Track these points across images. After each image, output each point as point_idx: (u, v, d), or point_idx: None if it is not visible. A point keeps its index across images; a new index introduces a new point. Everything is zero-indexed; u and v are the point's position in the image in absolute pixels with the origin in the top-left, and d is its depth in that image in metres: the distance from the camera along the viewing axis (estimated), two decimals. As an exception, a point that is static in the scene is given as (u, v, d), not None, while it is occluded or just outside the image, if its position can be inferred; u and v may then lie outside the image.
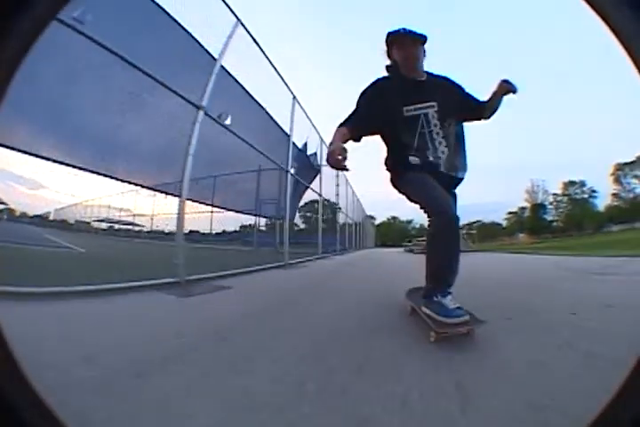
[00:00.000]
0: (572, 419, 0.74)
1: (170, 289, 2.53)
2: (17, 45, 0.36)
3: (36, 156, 2.62)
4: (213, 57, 3.53)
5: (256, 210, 6.29)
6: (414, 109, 1.52)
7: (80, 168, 2.99)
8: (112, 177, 3.23)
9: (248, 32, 4.09)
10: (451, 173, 1.56)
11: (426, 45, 1.57)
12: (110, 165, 3.13)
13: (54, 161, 2.70)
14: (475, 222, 58.09)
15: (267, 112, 5.18)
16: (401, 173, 1.61)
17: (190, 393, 0.89)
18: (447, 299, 1.34)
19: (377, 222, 62.03)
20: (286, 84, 5.51)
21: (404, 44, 1.52)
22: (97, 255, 6.18)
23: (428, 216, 1.45)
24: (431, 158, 1.51)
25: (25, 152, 2.57)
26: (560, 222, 52.16)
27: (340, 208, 11.34)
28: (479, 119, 1.71)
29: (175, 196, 3.20)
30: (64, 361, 1.08)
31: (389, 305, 1.96)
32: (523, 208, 57.00)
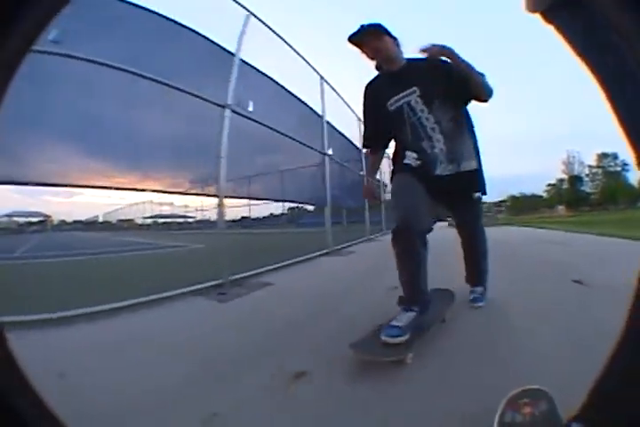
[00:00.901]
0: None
1: (327, 255, 4.74)
2: (17, 45, 0.36)
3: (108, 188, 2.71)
4: (319, 114, 5.03)
5: (324, 200, 6.94)
6: (395, 101, 1.44)
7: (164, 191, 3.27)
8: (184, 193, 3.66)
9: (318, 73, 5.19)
10: (452, 168, 1.39)
11: (395, 34, 1.46)
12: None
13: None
14: (503, 201, 57.66)
15: (343, 135, 6.77)
16: (394, 173, 1.51)
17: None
18: (403, 314, 1.25)
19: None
20: (352, 110, 7.21)
21: (365, 42, 1.43)
22: (224, 248, 6.94)
23: None
24: (429, 150, 1.39)
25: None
26: (597, 195, 50.75)
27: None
28: (479, 99, 1.43)
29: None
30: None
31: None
32: (561, 180, 55.37)
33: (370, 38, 1.41)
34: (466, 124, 1.50)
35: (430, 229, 1.41)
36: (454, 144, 1.41)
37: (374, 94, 1.53)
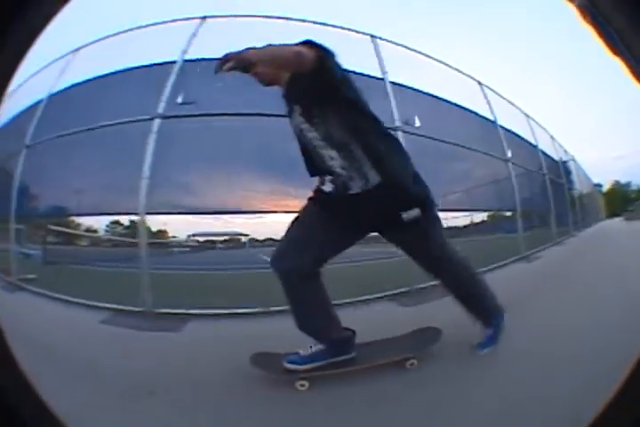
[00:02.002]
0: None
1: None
2: (17, 45, 0.36)
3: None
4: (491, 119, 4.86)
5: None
6: (292, 126, 1.23)
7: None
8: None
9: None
10: (362, 184, 1.13)
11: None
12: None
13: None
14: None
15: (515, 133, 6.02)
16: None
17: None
18: (312, 346, 1.19)
19: (604, 190, 51.75)
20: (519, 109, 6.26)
21: (247, 69, 1.10)
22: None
23: None
24: (335, 170, 1.17)
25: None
26: None
27: (573, 183, 11.41)
28: (305, 70, 1.03)
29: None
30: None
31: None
32: None
33: (251, 65, 1.10)
34: (361, 126, 1.16)
35: (317, 265, 1.22)
36: (352, 155, 1.14)
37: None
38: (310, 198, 1.29)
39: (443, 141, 3.64)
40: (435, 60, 4.05)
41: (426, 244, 1.23)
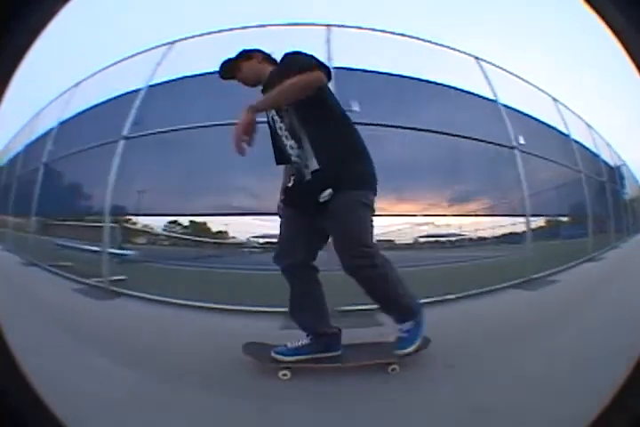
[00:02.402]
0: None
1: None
2: (17, 45, 0.36)
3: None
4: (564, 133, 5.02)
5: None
6: (269, 117, 1.35)
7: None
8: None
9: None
10: (308, 172, 1.25)
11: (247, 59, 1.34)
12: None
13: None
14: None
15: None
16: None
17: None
18: (300, 339, 1.27)
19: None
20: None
21: (235, 75, 1.36)
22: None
23: None
24: (293, 158, 1.29)
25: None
26: None
27: (625, 187, 10.99)
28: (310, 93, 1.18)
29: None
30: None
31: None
32: None
33: (233, 72, 1.36)
34: (317, 118, 1.24)
35: (309, 257, 1.30)
36: (304, 145, 1.26)
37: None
38: (282, 200, 1.41)
39: (540, 157, 3.89)
40: (511, 73, 4.05)
41: (337, 228, 1.20)
